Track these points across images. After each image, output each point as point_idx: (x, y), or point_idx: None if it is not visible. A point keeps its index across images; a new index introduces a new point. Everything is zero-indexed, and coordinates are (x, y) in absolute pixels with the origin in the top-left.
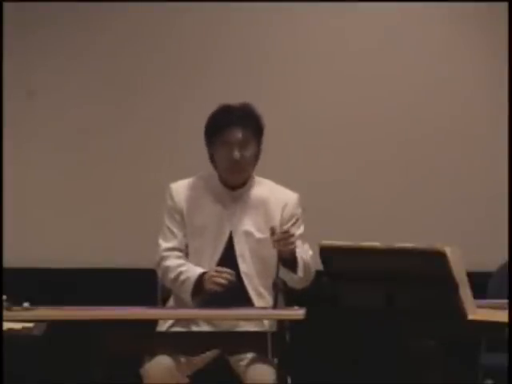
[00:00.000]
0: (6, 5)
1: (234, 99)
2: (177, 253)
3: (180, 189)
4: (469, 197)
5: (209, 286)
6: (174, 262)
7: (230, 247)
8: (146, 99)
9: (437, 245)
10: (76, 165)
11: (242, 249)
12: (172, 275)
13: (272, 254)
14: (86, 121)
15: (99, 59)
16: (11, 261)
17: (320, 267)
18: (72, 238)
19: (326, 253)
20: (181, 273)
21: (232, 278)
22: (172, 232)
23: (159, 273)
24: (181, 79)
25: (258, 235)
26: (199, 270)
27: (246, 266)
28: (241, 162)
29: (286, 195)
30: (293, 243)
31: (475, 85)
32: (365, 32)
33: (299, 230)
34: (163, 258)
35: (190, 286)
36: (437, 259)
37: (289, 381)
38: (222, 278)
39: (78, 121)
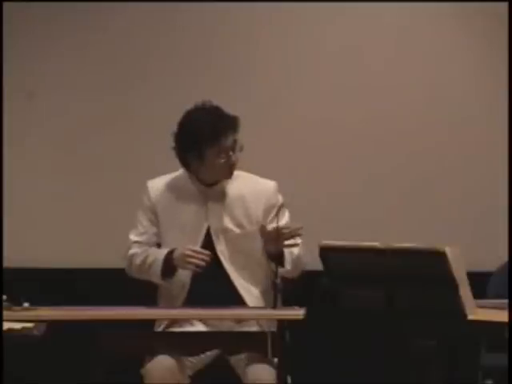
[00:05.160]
0: (5, 5)
1: (231, 101)
2: (144, 246)
3: (156, 187)
4: (469, 197)
5: (183, 264)
6: (139, 249)
7: (209, 245)
8: (144, 101)
9: (437, 245)
10: (77, 165)
11: (221, 246)
12: (138, 260)
13: (255, 247)
14: (86, 121)
15: (98, 60)
16: (11, 261)
17: (319, 267)
18: (72, 238)
19: (325, 253)
20: (147, 256)
21: (208, 258)
22: (143, 227)
23: (125, 263)
24: (178, 81)
25: (236, 230)
26: (166, 250)
27: (227, 262)
28: (235, 164)
29: (263, 186)
30: (286, 239)
31: (476, 88)
32: (365, 35)
33: (284, 219)
34: (129, 248)
35: (158, 267)
36: (437, 259)
37: (289, 381)
38: (199, 259)
39: (78, 121)
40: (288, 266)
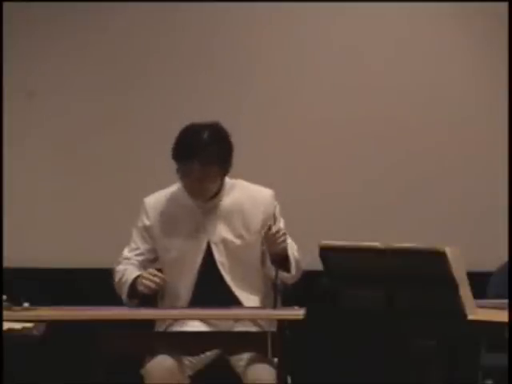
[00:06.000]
0: (5, 5)
1: (231, 101)
2: (132, 261)
3: (153, 204)
4: (469, 197)
5: (139, 287)
6: (122, 266)
7: (209, 257)
8: (145, 101)
9: (437, 245)
10: (77, 165)
11: (221, 257)
12: (117, 278)
13: (253, 256)
14: (86, 122)
15: (98, 60)
16: (11, 261)
17: (319, 267)
18: (72, 238)
19: (325, 253)
20: (123, 275)
21: (161, 282)
22: (135, 243)
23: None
24: (178, 81)
25: (236, 241)
26: (136, 273)
27: (228, 273)
28: (201, 190)
29: (260, 194)
30: (284, 241)
31: (476, 88)
32: (365, 35)
33: (280, 223)
34: (118, 264)
35: (126, 289)
36: (437, 259)
37: (289, 381)
38: (152, 281)
39: (78, 121)
40: (293, 271)
